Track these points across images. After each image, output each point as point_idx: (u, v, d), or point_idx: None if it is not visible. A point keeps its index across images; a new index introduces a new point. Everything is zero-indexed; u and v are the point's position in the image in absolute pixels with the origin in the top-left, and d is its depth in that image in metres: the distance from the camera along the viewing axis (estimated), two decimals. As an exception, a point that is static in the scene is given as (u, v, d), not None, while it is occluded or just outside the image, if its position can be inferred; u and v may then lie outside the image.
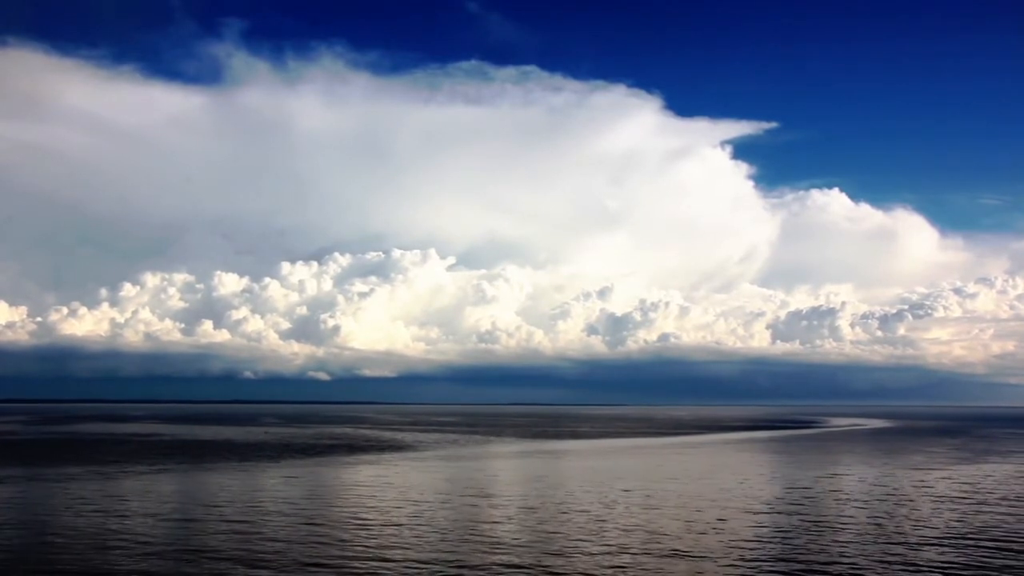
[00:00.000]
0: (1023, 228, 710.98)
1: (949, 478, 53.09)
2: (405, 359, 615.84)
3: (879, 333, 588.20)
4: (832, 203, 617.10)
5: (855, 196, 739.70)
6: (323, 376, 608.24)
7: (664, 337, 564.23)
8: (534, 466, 65.18)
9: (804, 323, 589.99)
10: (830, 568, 25.86)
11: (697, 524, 33.74)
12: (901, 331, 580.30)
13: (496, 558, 27.14)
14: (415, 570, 25.51)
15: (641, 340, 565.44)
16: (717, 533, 31.71)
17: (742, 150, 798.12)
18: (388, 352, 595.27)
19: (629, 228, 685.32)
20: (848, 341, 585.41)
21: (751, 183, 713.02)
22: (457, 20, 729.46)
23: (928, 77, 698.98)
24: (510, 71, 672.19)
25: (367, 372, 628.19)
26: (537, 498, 41.99)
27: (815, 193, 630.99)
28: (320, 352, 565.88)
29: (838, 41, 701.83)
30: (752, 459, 73.84)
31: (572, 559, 27.08)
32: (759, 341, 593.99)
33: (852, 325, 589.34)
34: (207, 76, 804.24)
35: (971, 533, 31.96)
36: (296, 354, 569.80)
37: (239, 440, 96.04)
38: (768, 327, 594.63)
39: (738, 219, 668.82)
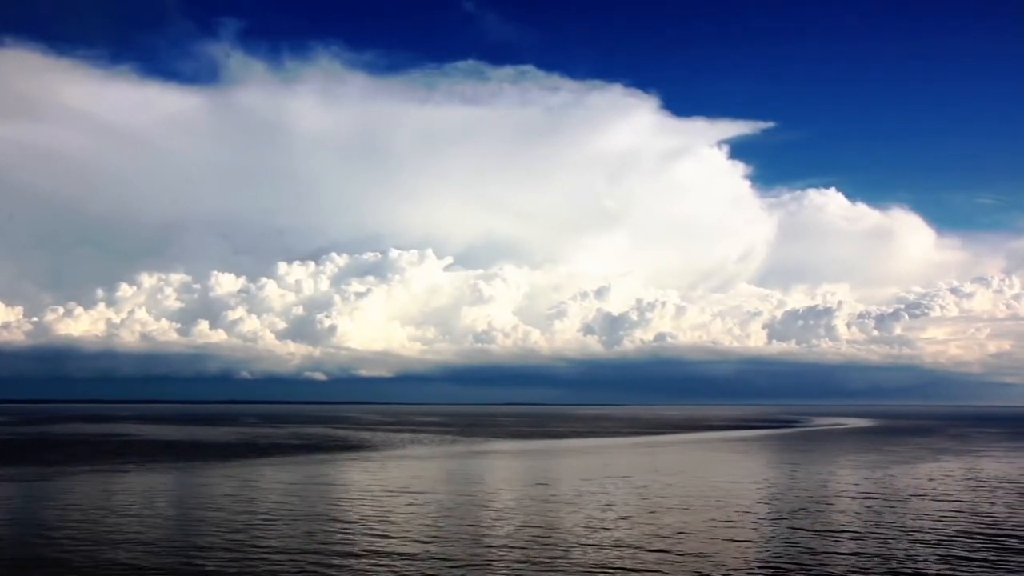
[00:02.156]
0: (1020, 227, 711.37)
1: (881, 476, 53.59)
2: (401, 359, 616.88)
3: (875, 332, 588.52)
4: (829, 203, 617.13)
5: (852, 196, 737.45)
6: (319, 376, 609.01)
7: (661, 337, 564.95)
8: (479, 465, 65.72)
9: (800, 323, 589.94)
10: (686, 562, 26.40)
11: (601, 521, 34.24)
12: (897, 330, 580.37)
13: (366, 546, 27.70)
14: (270, 561, 26.05)
15: (638, 340, 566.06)
16: (610, 530, 32.24)
17: (739, 150, 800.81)
18: (385, 352, 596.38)
19: (626, 228, 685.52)
20: (844, 340, 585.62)
21: (748, 183, 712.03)
22: (454, 20, 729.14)
23: (925, 77, 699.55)
24: (507, 71, 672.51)
25: (363, 372, 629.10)
26: (454, 496, 42.58)
27: (812, 193, 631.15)
28: (316, 352, 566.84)
29: (835, 41, 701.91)
30: (705, 458, 74.37)
31: (448, 548, 27.61)
32: (755, 341, 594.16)
33: (848, 324, 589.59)
34: (204, 76, 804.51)
35: (854, 528, 32.55)
36: (292, 354, 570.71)
37: (207, 440, 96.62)
38: (764, 327, 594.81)
39: (735, 219, 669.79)
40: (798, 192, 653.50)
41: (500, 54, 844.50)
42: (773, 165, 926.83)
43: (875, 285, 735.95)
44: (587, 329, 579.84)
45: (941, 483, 49.44)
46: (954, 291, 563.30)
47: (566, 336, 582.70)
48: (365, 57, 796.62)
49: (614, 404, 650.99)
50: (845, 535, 31.13)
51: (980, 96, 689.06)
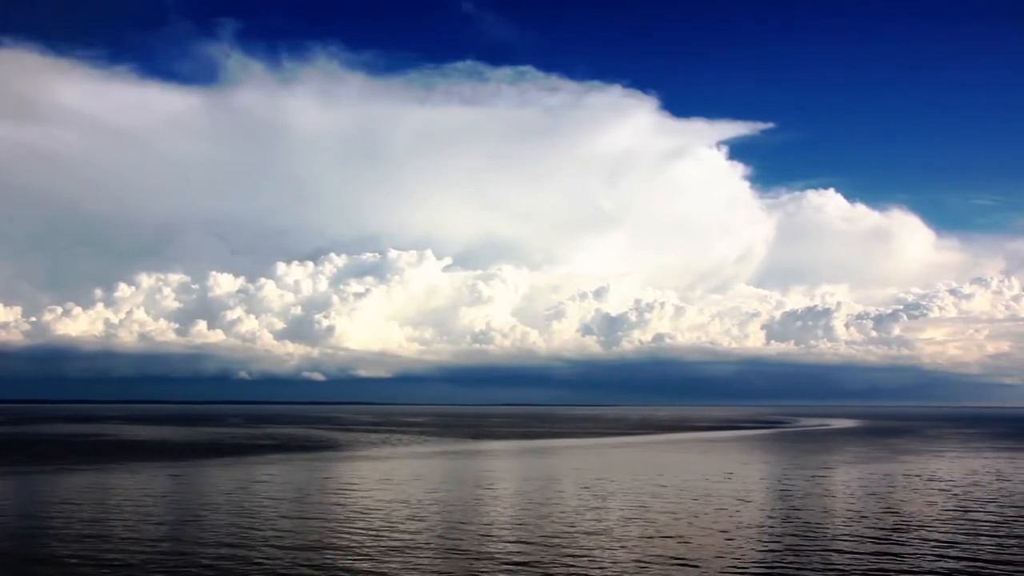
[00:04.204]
0: (1018, 228, 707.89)
1: (824, 476, 54.03)
2: (400, 359, 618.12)
3: (874, 333, 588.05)
4: (828, 203, 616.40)
5: (851, 196, 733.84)
6: (318, 376, 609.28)
7: (659, 337, 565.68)
8: (431, 466, 66.13)
9: (799, 323, 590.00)
10: (566, 561, 26.81)
11: (515, 520, 34.84)
12: (896, 331, 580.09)
13: (266, 541, 28.15)
14: (163, 552, 26.50)
15: (636, 340, 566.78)
16: (513, 528, 32.75)
17: (738, 150, 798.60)
18: (383, 352, 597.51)
19: (625, 228, 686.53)
20: (843, 341, 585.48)
21: (747, 183, 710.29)
22: (452, 20, 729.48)
23: (923, 78, 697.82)
24: (506, 71, 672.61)
25: (362, 372, 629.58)
26: (385, 495, 43.03)
27: (811, 193, 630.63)
28: (315, 352, 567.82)
29: (834, 42, 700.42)
30: (665, 460, 74.84)
31: (350, 542, 28.05)
32: (754, 341, 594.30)
33: (847, 325, 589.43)
34: (202, 76, 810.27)
35: (756, 526, 33.02)
36: (291, 354, 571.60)
37: (177, 441, 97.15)
38: (763, 327, 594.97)
39: (734, 219, 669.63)
40: (797, 193, 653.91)
41: (499, 54, 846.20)
42: (772, 166, 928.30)
43: (874, 286, 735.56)
44: (585, 330, 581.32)
45: (876, 483, 49.71)
46: (953, 292, 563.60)
47: (564, 337, 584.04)
48: (363, 57, 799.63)
49: (612, 405, 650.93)
50: (744, 533, 31.49)
51: (979, 97, 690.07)
